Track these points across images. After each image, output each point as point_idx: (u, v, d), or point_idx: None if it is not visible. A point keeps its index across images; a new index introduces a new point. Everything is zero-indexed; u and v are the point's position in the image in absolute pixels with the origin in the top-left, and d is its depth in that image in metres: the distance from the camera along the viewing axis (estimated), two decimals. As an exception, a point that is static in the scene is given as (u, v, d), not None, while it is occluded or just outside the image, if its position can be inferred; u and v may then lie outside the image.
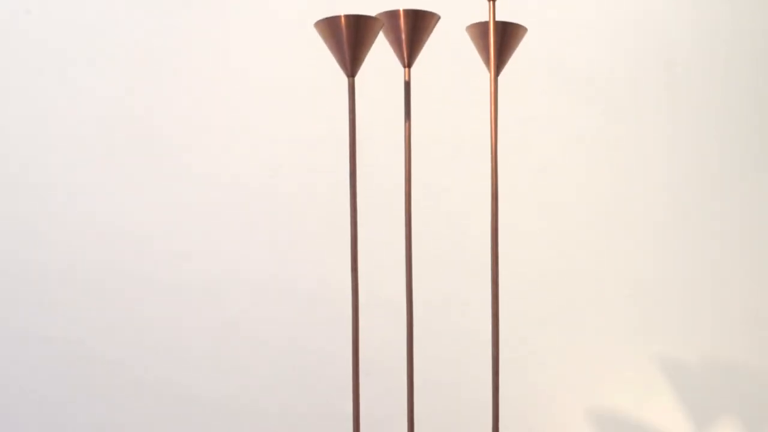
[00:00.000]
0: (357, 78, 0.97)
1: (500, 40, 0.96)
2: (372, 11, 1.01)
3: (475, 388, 1.52)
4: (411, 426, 1.03)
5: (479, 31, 0.99)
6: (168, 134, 1.65)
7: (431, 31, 1.02)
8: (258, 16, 1.65)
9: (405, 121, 1.03)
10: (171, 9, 1.64)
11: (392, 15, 1.01)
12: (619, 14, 1.68)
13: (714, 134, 1.67)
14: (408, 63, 1.03)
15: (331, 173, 1.62)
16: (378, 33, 0.93)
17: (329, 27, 0.92)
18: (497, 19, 0.94)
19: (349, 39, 0.93)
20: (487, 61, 0.91)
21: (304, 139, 1.65)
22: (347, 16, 0.92)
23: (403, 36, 1.02)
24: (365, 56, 0.94)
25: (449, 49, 1.45)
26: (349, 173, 0.95)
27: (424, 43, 1.02)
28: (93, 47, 1.63)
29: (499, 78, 0.92)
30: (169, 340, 1.66)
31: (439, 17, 1.01)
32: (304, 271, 1.67)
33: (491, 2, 0.89)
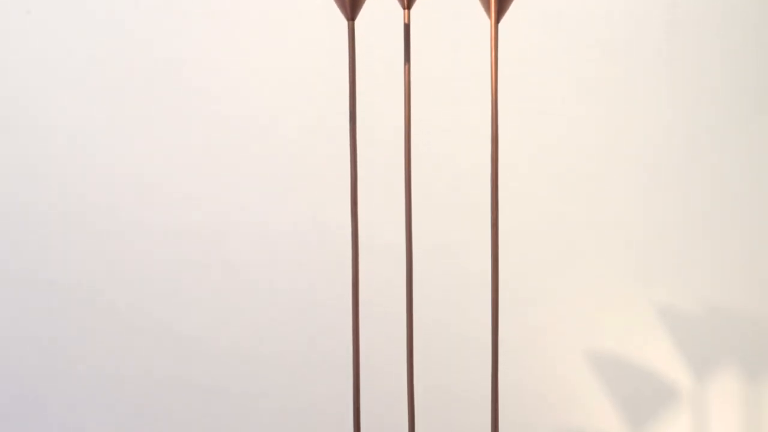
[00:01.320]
0: (356, 21, 0.97)
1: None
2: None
3: (475, 329, 1.53)
4: (410, 367, 1.03)
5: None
6: (167, 78, 1.64)
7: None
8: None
9: (404, 64, 1.03)
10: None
11: (392, -44, 1.00)
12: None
13: (714, 77, 1.66)
14: (408, 4, 1.02)
15: (330, 117, 1.62)
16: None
17: (328, -32, 0.92)
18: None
19: (349, -19, 0.92)
20: (487, 8, 0.90)
21: (303, 83, 1.64)
22: (346, -42, 0.91)
23: (403, -22, 1.01)
24: (365, -2, 0.93)
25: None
26: (348, 116, 0.95)
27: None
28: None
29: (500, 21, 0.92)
30: (168, 284, 1.66)
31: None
32: (304, 215, 1.67)
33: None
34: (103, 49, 1.64)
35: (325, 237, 1.66)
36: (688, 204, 1.69)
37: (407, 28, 1.03)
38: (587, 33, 1.64)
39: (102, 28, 1.63)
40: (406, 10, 1.02)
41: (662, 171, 1.68)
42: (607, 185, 1.69)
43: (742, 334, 1.70)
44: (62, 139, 1.65)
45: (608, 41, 1.64)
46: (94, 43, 1.64)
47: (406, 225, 1.02)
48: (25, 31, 1.63)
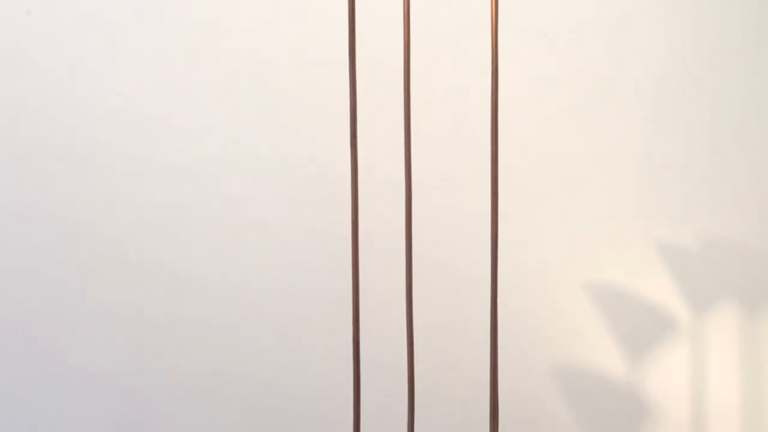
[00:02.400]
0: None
1: None
2: None
3: (474, 266, 1.53)
4: (409, 304, 1.04)
5: None
6: (166, 13, 1.63)
7: None
8: None
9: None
10: None
11: None
12: None
13: (715, 11, 1.64)
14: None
15: (330, 50, 1.60)
16: None
17: None
18: None
19: None
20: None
21: (302, 17, 1.63)
22: None
23: None
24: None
25: None
26: (348, 50, 0.94)
27: None
28: None
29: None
30: (167, 220, 1.66)
31: None
32: (304, 149, 1.66)
33: None
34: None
35: (324, 172, 1.65)
36: (688, 139, 1.69)
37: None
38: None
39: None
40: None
41: (662, 105, 1.67)
42: (606, 120, 1.68)
43: (742, 269, 1.70)
44: (61, 73, 1.63)
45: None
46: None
47: (405, 159, 1.02)
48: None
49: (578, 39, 1.65)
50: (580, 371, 1.69)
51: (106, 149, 1.65)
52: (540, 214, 1.69)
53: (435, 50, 1.63)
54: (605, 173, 1.69)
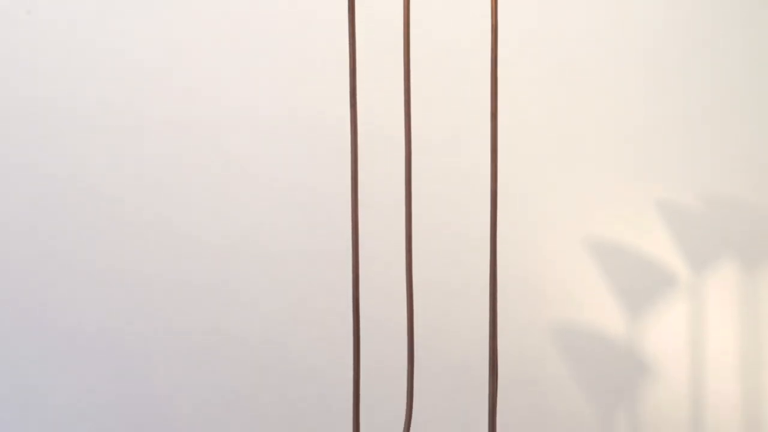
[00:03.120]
0: None
1: None
2: None
3: (473, 224, 1.53)
4: (409, 261, 1.03)
5: None
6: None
7: None
8: None
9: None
10: None
11: None
12: None
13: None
14: None
15: (330, 7, 1.59)
16: None
17: None
18: None
19: None
20: None
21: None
22: None
23: None
24: None
25: None
26: (348, 7, 0.93)
27: None
28: None
29: None
30: (168, 178, 1.66)
31: None
32: (304, 106, 1.65)
33: None
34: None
35: (324, 130, 1.65)
36: (688, 95, 1.68)
37: None
38: None
39: None
40: None
41: (661, 62, 1.66)
42: (607, 77, 1.67)
43: (741, 226, 1.70)
44: (61, 25, 1.62)
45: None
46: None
47: (405, 118, 1.01)
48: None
49: (579, -5, 1.64)
50: (579, 329, 1.70)
51: (106, 106, 1.64)
52: (540, 171, 1.68)
53: (435, 6, 1.62)
54: (605, 130, 1.69)
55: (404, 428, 1.01)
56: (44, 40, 1.62)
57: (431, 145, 1.63)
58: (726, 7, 1.65)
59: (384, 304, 1.61)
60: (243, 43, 1.63)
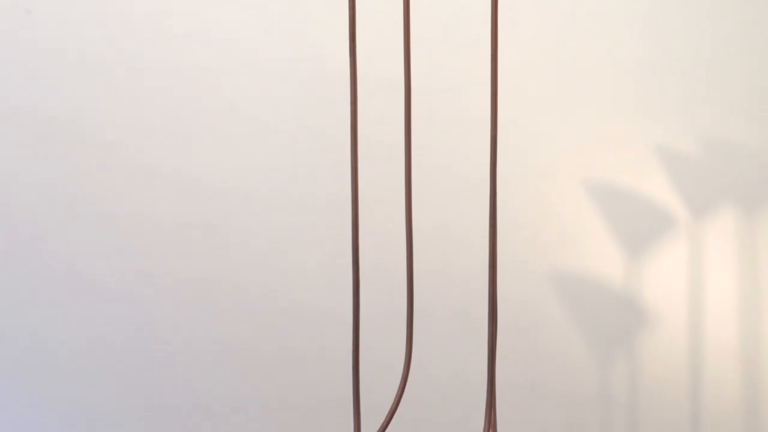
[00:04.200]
0: None
1: None
2: None
3: (473, 169, 1.53)
4: (409, 209, 1.03)
5: None
6: None
7: None
8: None
9: None
10: None
11: None
12: None
13: None
14: None
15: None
16: None
17: None
18: None
19: None
20: None
21: None
22: None
23: None
24: None
25: None
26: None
27: None
28: None
29: None
30: (167, 122, 1.65)
31: None
32: (303, 51, 1.64)
33: None
34: None
35: (324, 73, 1.64)
36: (687, 38, 1.67)
37: None
38: None
39: None
40: None
41: (662, 4, 1.65)
42: (606, 20, 1.66)
43: (740, 170, 1.69)
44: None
45: None
46: None
47: (405, 62, 1.00)
48: None
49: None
50: (578, 275, 1.70)
51: (106, 49, 1.62)
52: (539, 116, 1.68)
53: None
54: (604, 74, 1.68)
55: (403, 372, 1.02)
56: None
57: (431, 89, 1.62)
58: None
59: (384, 250, 1.61)
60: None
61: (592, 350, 1.71)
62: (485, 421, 0.98)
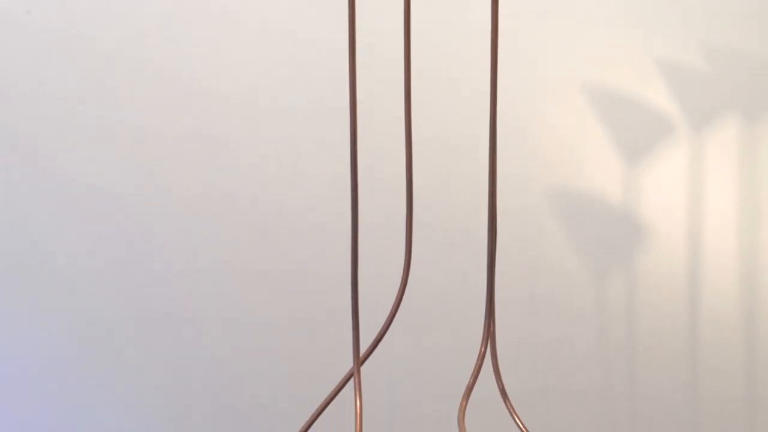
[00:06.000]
0: None
1: None
2: None
3: (473, 79, 1.52)
4: (408, 119, 1.03)
5: None
6: None
7: None
8: None
9: None
10: None
11: None
12: None
13: None
14: None
15: None
16: None
17: None
18: None
19: None
20: None
21: None
22: None
23: None
24: None
25: None
26: None
27: None
28: None
29: None
30: (166, 29, 1.64)
31: None
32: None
33: None
34: None
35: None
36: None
37: None
38: None
39: None
40: None
41: None
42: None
43: (741, 80, 1.68)
44: None
45: None
46: None
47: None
48: None
49: None
50: (577, 187, 1.70)
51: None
52: (537, 26, 1.66)
53: None
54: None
55: (401, 283, 1.02)
56: None
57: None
58: None
59: (383, 162, 1.61)
60: None
61: (591, 261, 1.72)
62: (484, 330, 0.98)
